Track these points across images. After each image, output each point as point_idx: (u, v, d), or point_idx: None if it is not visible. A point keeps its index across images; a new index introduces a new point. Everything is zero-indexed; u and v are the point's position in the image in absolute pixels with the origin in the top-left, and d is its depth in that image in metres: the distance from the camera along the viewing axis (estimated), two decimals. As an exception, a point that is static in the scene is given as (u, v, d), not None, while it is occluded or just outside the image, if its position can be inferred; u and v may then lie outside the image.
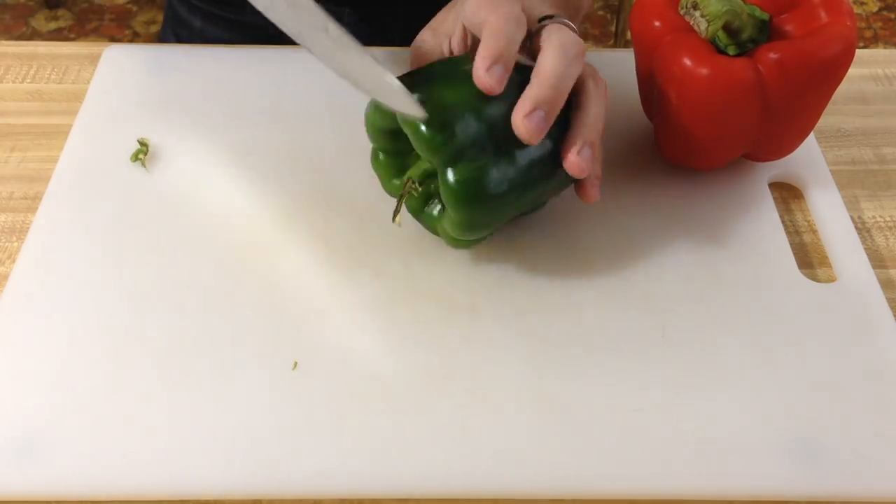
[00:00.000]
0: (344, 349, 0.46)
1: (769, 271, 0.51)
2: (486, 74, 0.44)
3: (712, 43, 0.51)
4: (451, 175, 0.45)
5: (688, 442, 0.43)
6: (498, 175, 0.45)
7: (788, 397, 0.45)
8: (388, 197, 0.51)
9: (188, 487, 0.41)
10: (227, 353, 0.46)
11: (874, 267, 0.52)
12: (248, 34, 0.74)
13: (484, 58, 0.44)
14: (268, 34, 0.73)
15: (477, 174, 0.45)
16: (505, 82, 0.44)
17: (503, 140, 0.45)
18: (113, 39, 1.98)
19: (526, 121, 0.44)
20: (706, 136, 0.52)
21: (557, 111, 0.46)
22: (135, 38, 2.00)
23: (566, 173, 0.47)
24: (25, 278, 0.49)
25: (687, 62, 0.50)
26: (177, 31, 0.78)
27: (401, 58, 0.64)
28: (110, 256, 0.50)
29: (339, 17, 0.73)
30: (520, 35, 0.47)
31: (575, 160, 0.46)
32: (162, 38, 0.81)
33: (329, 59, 0.46)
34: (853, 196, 0.58)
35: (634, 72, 0.57)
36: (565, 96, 0.46)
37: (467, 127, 0.44)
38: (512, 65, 0.45)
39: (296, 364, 0.45)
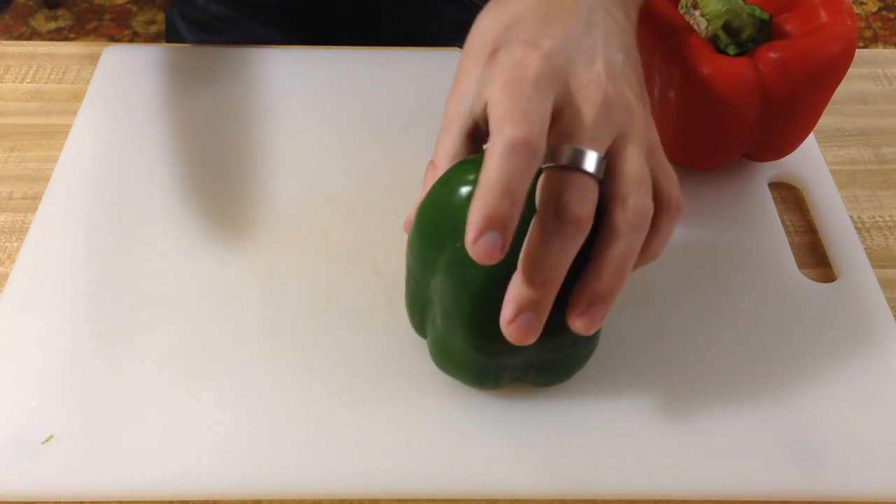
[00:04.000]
0: (344, 349, 0.46)
1: (769, 271, 0.51)
2: (474, 246, 0.32)
3: (712, 42, 0.51)
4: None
5: (688, 442, 0.43)
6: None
7: (788, 397, 0.45)
8: (387, 197, 0.51)
9: (188, 487, 0.41)
10: (226, 353, 0.46)
11: (874, 267, 0.52)
12: (248, 11, 0.74)
13: (474, 221, 0.32)
14: (268, 9, 0.73)
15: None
16: (507, 247, 0.32)
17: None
18: (113, 39, 1.98)
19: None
20: (706, 136, 0.52)
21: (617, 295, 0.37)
22: (135, 38, 2.00)
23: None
24: (25, 278, 0.49)
25: (687, 62, 0.50)
26: (182, 9, 0.79)
27: (392, 59, 0.64)
28: (110, 256, 0.50)
29: (333, 15, 0.72)
30: (540, 134, 0.33)
31: (580, 323, 0.36)
32: (167, 16, 0.82)
33: None
34: (853, 196, 0.57)
35: (634, 72, 0.57)
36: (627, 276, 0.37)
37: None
38: (516, 218, 0.32)
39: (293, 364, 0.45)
